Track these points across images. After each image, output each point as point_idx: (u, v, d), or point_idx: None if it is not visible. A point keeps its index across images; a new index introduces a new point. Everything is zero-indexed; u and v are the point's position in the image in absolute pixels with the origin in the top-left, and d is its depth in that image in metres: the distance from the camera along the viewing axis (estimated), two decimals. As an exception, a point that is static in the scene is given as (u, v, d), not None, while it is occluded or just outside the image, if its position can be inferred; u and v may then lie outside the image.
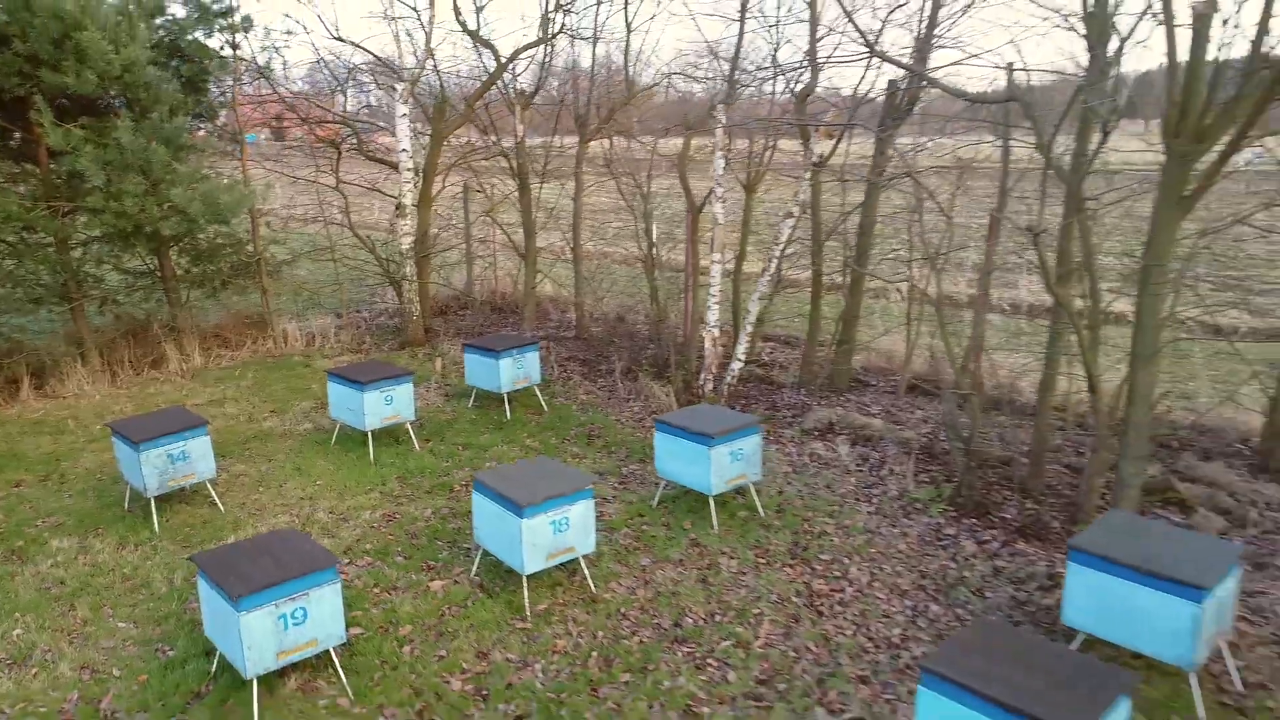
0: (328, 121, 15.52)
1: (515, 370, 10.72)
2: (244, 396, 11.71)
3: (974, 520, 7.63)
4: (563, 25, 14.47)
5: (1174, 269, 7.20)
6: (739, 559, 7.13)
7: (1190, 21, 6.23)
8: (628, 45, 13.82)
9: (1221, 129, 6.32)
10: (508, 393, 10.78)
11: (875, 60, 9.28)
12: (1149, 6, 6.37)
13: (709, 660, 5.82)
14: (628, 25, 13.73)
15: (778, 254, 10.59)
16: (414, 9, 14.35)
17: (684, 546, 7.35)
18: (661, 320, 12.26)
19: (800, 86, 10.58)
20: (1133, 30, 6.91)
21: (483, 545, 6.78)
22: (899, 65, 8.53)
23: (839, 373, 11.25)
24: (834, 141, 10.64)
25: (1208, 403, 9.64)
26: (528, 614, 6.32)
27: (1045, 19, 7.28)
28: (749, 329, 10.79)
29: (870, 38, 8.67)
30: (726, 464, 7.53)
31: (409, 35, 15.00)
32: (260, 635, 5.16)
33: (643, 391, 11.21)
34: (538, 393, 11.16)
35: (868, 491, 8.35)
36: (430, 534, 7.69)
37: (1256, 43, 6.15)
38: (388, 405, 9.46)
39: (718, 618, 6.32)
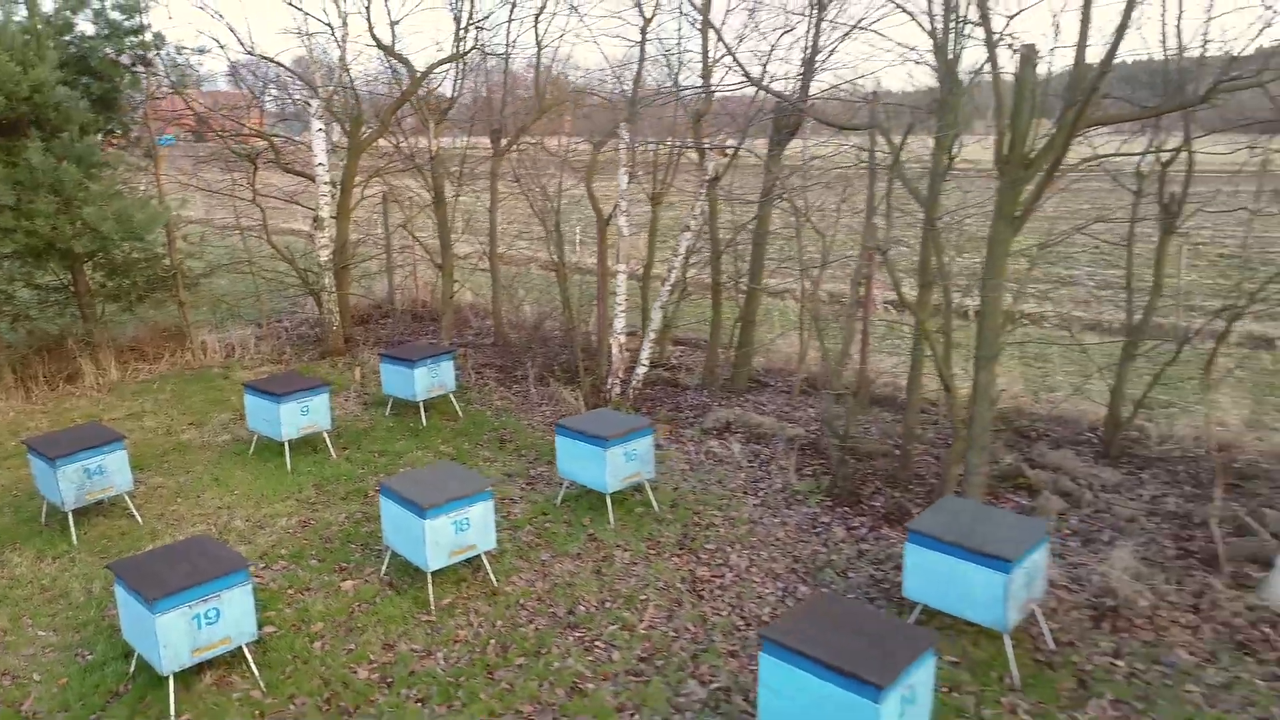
0: (243, 135, 15.68)
1: (430, 379, 11.18)
2: (162, 410, 11.91)
3: (847, 509, 8.41)
4: (476, 41, 14.96)
5: (1012, 282, 8.08)
6: (632, 551, 7.76)
7: (1015, 69, 7.07)
8: (538, 62, 14.35)
9: (1044, 158, 7.18)
10: (423, 401, 11.24)
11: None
12: (990, 52, 7.16)
13: (597, 643, 6.43)
14: (538, 42, 14.26)
15: (677, 265, 11.27)
16: (328, 25, 14.57)
17: (582, 541, 7.96)
18: (573, 327, 12.84)
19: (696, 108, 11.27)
20: (979, 70, 7.77)
21: (391, 546, 7.28)
22: (777, 96, 9.27)
23: (738, 374, 12.00)
24: (728, 160, 11.36)
25: (1061, 396, 10.64)
26: (432, 608, 6.85)
27: (903, 55, 8.05)
28: (652, 335, 11.46)
29: (760, 62, 9.42)
30: (621, 464, 8.16)
31: (324, 51, 15.18)
32: (175, 635, 5.59)
33: (554, 396, 11.78)
34: (453, 400, 11.64)
35: (755, 485, 9.07)
36: (344, 538, 8.14)
37: (1073, 81, 7.02)
38: (304, 416, 9.85)
39: (608, 605, 6.93)
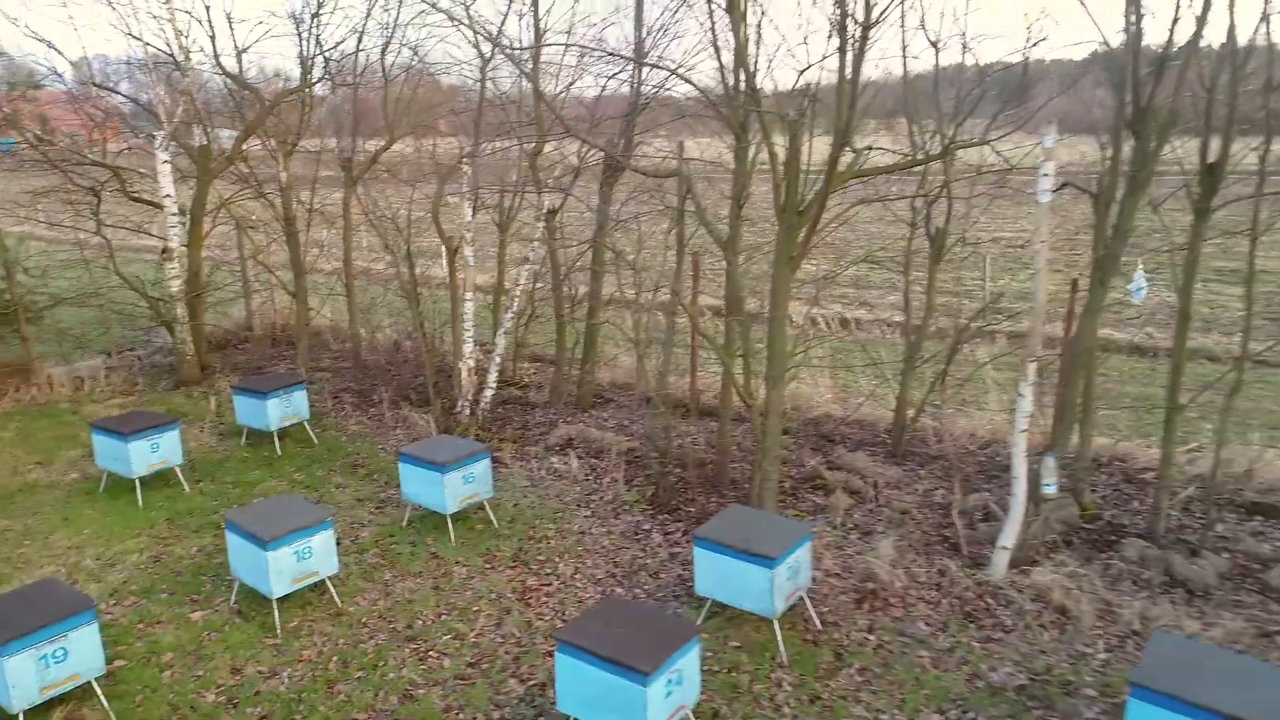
0: (84, 164, 15.52)
1: (283, 409, 11.61)
2: (6, 449, 11.88)
3: (666, 516, 9.43)
4: (324, 72, 15.32)
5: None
6: (470, 566, 8.54)
7: (788, 133, 8.20)
8: (385, 94, 14.84)
9: (813, 209, 8.35)
10: (278, 429, 11.65)
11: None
12: (760, 121, 8.27)
13: (431, 653, 7.20)
14: (384, 75, 14.76)
15: (517, 294, 12.08)
16: (170, 55, 14.66)
17: (425, 560, 8.68)
18: (427, 351, 13.45)
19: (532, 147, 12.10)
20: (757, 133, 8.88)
21: (238, 576, 7.82)
22: (596, 147, 10.21)
23: (584, 392, 12.91)
24: (564, 196, 12.24)
25: (860, 401, 12.03)
26: (279, 631, 7.45)
27: (708, 115, 9.10)
28: (498, 360, 12.22)
29: (587, 113, 10.33)
30: (460, 486, 8.92)
31: (168, 81, 15.22)
32: (23, 675, 6.04)
33: (408, 420, 12.39)
34: (307, 427, 12.08)
35: (589, 498, 9.99)
36: (195, 570, 8.59)
37: (835, 149, 8.20)
38: (154, 453, 10.15)
39: (444, 617, 7.70)
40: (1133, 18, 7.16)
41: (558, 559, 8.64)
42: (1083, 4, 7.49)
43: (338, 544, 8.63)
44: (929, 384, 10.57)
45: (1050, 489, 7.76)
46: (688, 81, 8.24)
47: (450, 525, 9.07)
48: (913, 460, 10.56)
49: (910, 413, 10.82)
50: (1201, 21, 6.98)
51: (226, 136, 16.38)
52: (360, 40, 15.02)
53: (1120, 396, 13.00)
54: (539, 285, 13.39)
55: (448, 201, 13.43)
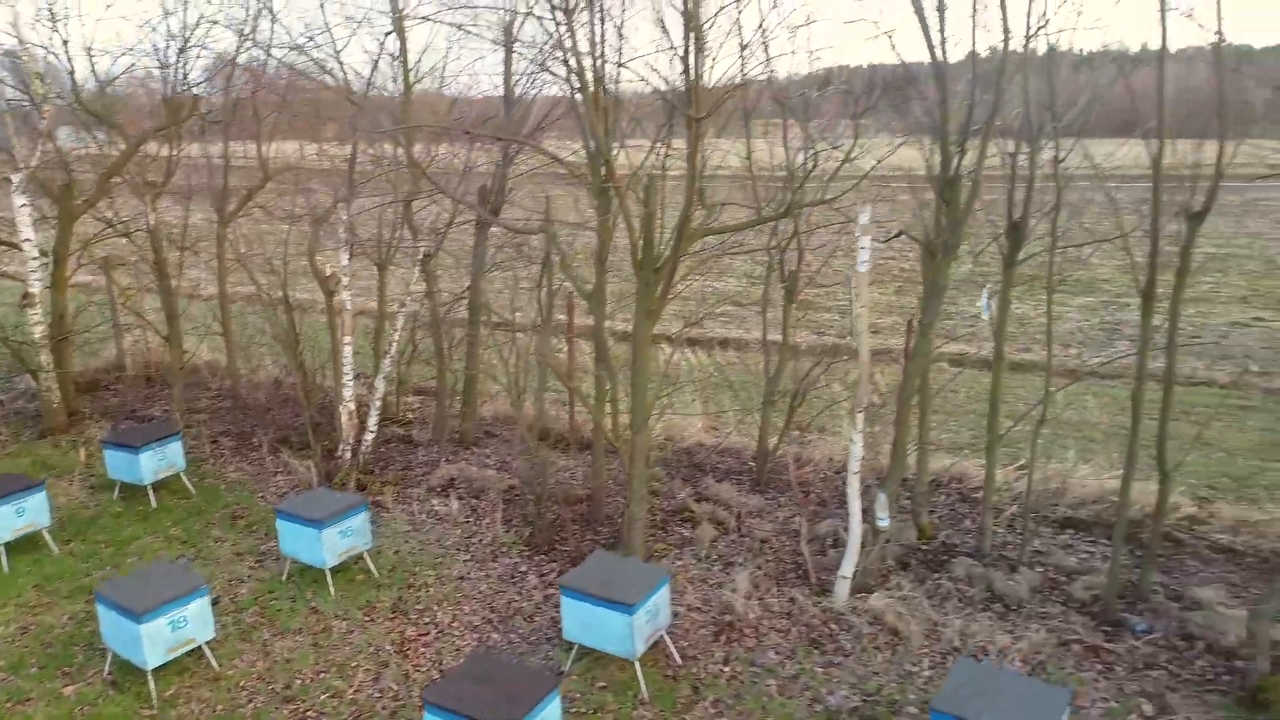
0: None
1: (158, 461, 11.52)
2: None
3: (543, 556, 9.90)
4: (192, 110, 15.10)
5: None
6: (349, 620, 8.80)
7: (643, 197, 8.78)
8: (259, 134, 14.76)
9: (669, 264, 8.95)
10: (152, 483, 11.54)
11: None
12: (615, 189, 8.82)
13: (309, 713, 7.46)
14: (256, 115, 14.69)
15: (395, 338, 12.31)
16: (26, 93, 14.23)
17: (304, 615, 8.90)
18: (307, 392, 13.49)
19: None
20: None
21: (111, 648, 7.89)
22: (464, 204, 10.58)
23: (466, 429, 13.23)
24: (440, 237, 12.54)
25: (729, 431, 12.78)
26: (155, 701, 7.56)
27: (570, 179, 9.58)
28: (378, 403, 12.42)
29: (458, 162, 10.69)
30: (337, 541, 9.16)
31: (23, 119, 14.75)
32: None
33: (289, 466, 12.45)
34: (184, 478, 12.00)
35: (469, 541, 10.36)
36: (66, 640, 8.57)
37: (686, 210, 8.82)
38: (19, 517, 9.98)
39: (323, 675, 7.96)
40: (937, 107, 8.02)
41: (436, 607, 8.99)
42: (906, 92, 8.32)
43: (215, 603, 8.77)
44: (788, 414, 11.35)
45: (883, 523, 8.58)
46: (552, 157, 8.72)
47: (329, 578, 9.29)
48: (774, 488, 11.33)
49: (773, 440, 11.59)
50: (996, 106, 7.89)
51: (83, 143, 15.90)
52: (230, 79, 14.90)
53: (968, 414, 14.18)
54: (419, 322, 13.64)
55: (324, 246, 13.54)
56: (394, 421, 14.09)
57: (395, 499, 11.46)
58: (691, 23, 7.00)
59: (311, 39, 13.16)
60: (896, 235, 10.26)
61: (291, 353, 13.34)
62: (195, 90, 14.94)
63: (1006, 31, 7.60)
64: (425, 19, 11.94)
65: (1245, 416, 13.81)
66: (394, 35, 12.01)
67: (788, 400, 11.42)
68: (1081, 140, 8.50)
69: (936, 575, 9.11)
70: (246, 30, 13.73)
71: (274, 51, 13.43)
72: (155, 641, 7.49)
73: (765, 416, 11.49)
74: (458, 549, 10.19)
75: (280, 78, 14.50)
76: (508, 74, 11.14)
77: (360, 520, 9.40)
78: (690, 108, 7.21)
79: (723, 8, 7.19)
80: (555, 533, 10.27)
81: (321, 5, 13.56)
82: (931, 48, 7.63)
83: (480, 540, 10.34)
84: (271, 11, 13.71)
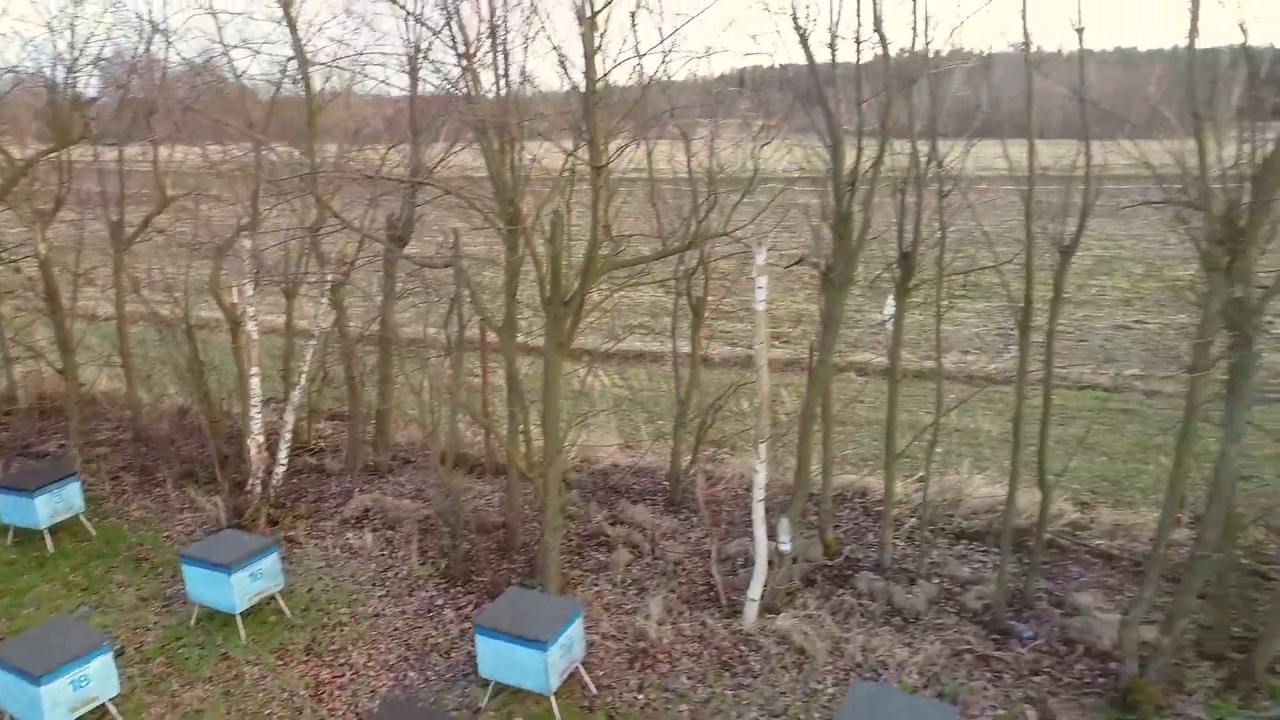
0: None
1: (54, 504, 11.12)
2: None
3: (459, 588, 9.95)
4: (84, 131, 14.56)
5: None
6: (262, 665, 8.71)
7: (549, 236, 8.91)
8: (155, 156, 14.32)
9: (577, 299, 9.11)
10: (49, 527, 11.13)
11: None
12: (521, 228, 8.93)
13: (221, 765, 7.39)
14: (154, 143, 14.26)
15: (305, 368, 12.16)
16: (-103, 118, 13.51)
17: (214, 662, 8.76)
18: (213, 424, 13.18)
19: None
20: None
21: (8, 711, 7.64)
22: (372, 238, 10.56)
23: (380, 459, 13.14)
24: (349, 268, 12.42)
25: (644, 451, 13.03)
26: (57, 764, 7.37)
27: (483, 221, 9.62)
28: (288, 436, 12.24)
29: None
30: (248, 584, 9.04)
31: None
32: None
33: (195, 503, 12.16)
34: (83, 520, 11.60)
35: (384, 576, 10.33)
36: (-42, 703, 8.24)
37: (592, 246, 8.99)
38: (-97, 572, 9.54)
39: (235, 724, 7.88)
40: (827, 155, 8.41)
41: (351, 647, 8.97)
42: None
43: (119, 655, 8.59)
44: (698, 435, 11.64)
45: (785, 546, 8.93)
46: (461, 199, 8.79)
47: (240, 623, 9.17)
48: (688, 508, 11.61)
49: (686, 459, 11.86)
50: (880, 155, 8.31)
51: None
52: (124, 95, 14.44)
53: (874, 425, 14.74)
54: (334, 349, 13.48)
55: (228, 277, 13.24)
56: (306, 450, 13.89)
57: (308, 533, 11.34)
58: (590, 79, 7.17)
59: (208, 63, 12.95)
60: (798, 262, 10.64)
61: (196, 382, 13.02)
62: (87, 111, 14.42)
63: (889, 85, 8.01)
64: (327, 64, 11.82)
65: (1126, 419, 14.72)
66: (295, 61, 11.90)
67: (699, 420, 11.72)
68: (967, 176, 9.00)
69: (841, 591, 9.51)
70: (139, 53, 13.36)
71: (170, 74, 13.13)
72: (56, 703, 7.31)
73: (677, 438, 11.76)
74: (373, 584, 10.15)
75: (180, 80, 14.18)
76: (414, 112, 11.11)
77: (271, 561, 9.29)
78: (591, 159, 7.39)
79: (619, 63, 7.40)
80: (471, 564, 10.33)
81: (220, 29, 13.21)
82: (825, 102, 8.00)
83: (396, 574, 10.33)
84: (166, 35, 13.27)
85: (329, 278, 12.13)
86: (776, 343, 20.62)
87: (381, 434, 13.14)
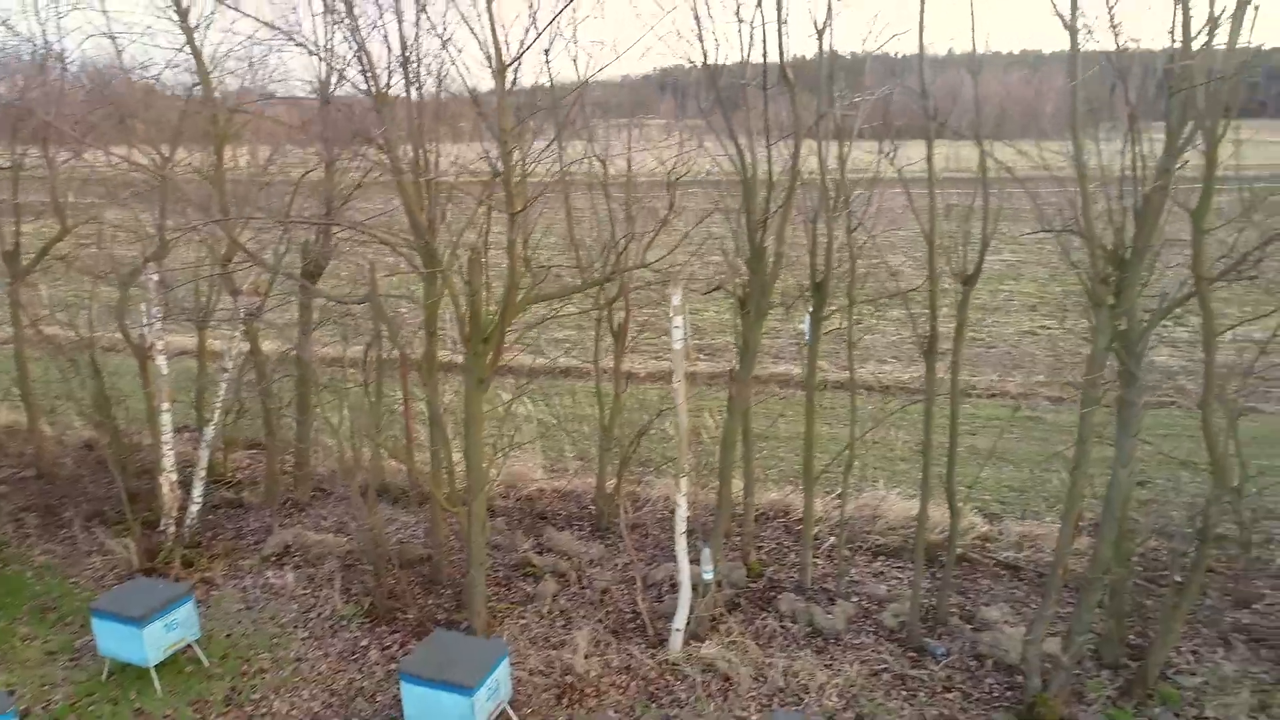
0: None
1: (-50, 555, 10.62)
2: None
3: (384, 627, 9.84)
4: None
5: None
6: (179, 718, 8.48)
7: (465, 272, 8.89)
8: (53, 181, 13.75)
9: (496, 335, 9.12)
10: (-55, 579, 10.63)
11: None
12: (441, 271, 8.89)
13: (137, 830, 7.18)
14: (49, 160, 13.68)
15: (218, 405, 11.85)
16: None
17: (128, 719, 8.50)
18: (123, 459, 12.72)
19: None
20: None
21: (-97, 787, 7.30)
22: (283, 274, 10.36)
23: (300, 488, 12.89)
24: (262, 298, 12.15)
25: (571, 474, 13.09)
26: (-42, 840, 7.07)
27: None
28: (202, 474, 11.91)
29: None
30: (161, 635, 8.79)
31: None
32: None
33: (104, 546, 11.73)
34: (-18, 570, 11.12)
35: (306, 616, 10.16)
36: None
37: (510, 284, 9.00)
38: None
39: (151, 785, 7.67)
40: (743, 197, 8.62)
41: (274, 695, 8.80)
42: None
43: (24, 717, 8.28)
44: (622, 464, 11.75)
45: (709, 575, 9.11)
46: (378, 238, 8.71)
47: (155, 675, 8.91)
48: (614, 533, 11.70)
49: (611, 482, 11.94)
50: (791, 191, 8.54)
51: None
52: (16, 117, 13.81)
53: (797, 438, 15.07)
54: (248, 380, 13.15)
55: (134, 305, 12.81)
56: (222, 482, 13.53)
57: (226, 573, 11.07)
58: (503, 136, 7.19)
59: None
60: (715, 289, 10.86)
61: (103, 415, 12.56)
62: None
63: (797, 142, 8.25)
64: (235, 109, 11.58)
65: (1032, 426, 15.40)
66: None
67: (625, 445, 11.83)
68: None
69: (764, 614, 9.74)
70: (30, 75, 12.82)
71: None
72: (-45, 777, 7.00)
73: (603, 463, 11.85)
74: (295, 626, 9.97)
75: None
76: (329, 149, 10.93)
77: (186, 610, 9.05)
78: (508, 205, 7.42)
79: (535, 112, 7.44)
80: (396, 600, 10.23)
81: (119, 52, 12.74)
82: (736, 142, 8.18)
83: (319, 614, 10.17)
84: (62, 61, 12.76)
85: (241, 311, 11.85)
86: (700, 354, 20.93)
87: (301, 465, 12.88)
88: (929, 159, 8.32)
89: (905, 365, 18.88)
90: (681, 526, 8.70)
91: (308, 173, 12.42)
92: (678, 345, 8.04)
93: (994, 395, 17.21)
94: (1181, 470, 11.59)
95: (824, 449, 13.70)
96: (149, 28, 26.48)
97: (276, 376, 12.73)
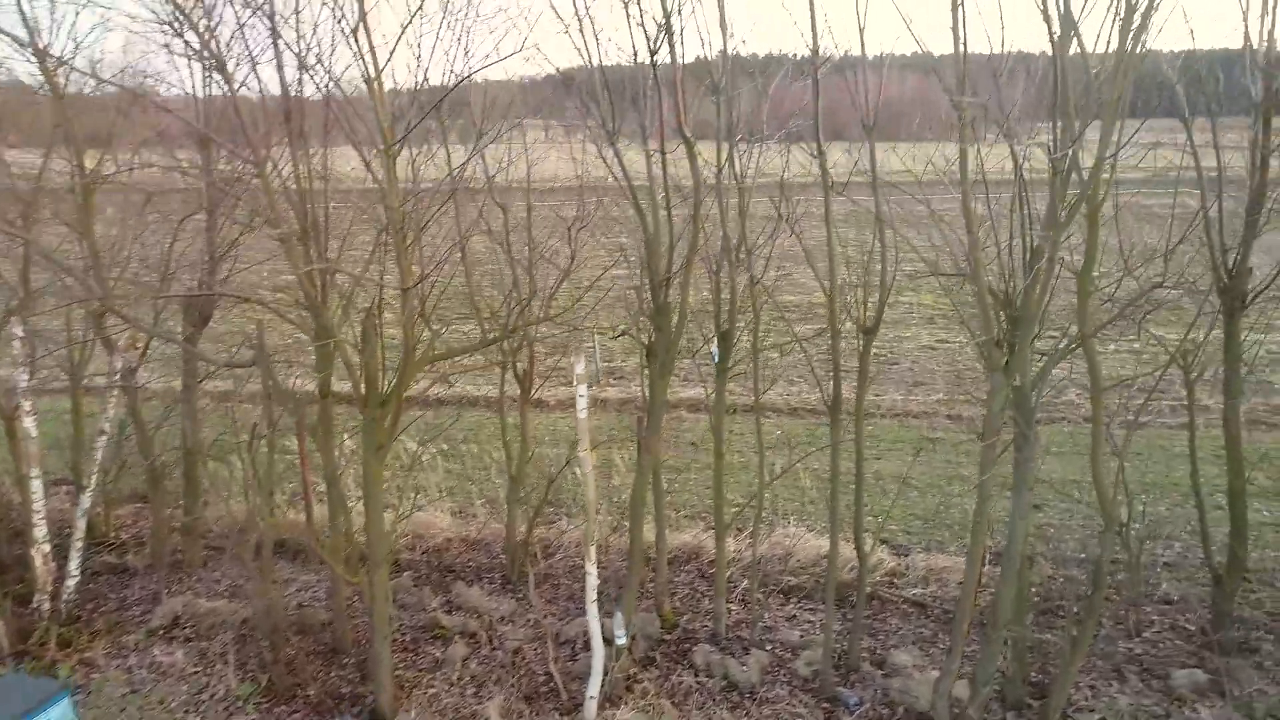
0: None
1: None
2: None
3: (285, 707, 9.35)
4: None
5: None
6: (55, 830, 7.86)
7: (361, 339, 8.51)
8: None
9: (394, 400, 8.76)
10: None
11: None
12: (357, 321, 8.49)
13: None
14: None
15: (94, 473, 11.10)
16: None
17: (-3, 835, 7.82)
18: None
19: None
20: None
21: None
22: (161, 336, 9.75)
23: (190, 551, 12.17)
24: (141, 352, 11.43)
25: (481, 523, 12.77)
26: None
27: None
28: (79, 544, 11.11)
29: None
30: (33, 739, 8.13)
31: None
32: None
33: (-30, 627, 10.84)
34: None
35: (198, 699, 9.57)
36: None
37: (408, 346, 8.66)
38: None
39: None
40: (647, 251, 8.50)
41: (161, 794, 8.26)
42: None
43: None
44: (533, 514, 11.51)
45: (621, 640, 8.97)
46: (268, 307, 8.27)
47: (27, 782, 8.23)
48: (527, 583, 11.42)
49: (522, 530, 11.68)
50: (693, 247, 8.47)
51: None
52: None
53: (710, 470, 15.07)
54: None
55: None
56: (104, 544, 12.70)
57: (109, 652, 10.35)
58: (389, 208, 6.88)
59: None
60: (622, 334, 10.74)
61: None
62: None
63: (697, 202, 8.19)
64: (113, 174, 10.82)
65: (932, 447, 15.77)
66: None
67: (534, 495, 11.60)
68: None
69: (679, 668, 9.65)
70: None
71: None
72: None
73: (512, 513, 11.58)
74: (186, 710, 9.39)
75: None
76: (212, 208, 10.33)
77: (62, 709, 8.39)
78: (401, 281, 7.11)
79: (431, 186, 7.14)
80: (295, 674, 9.74)
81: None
82: (638, 204, 8.06)
83: (212, 695, 9.60)
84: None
85: (118, 366, 11.11)
86: (612, 379, 20.81)
87: (189, 531, 12.16)
88: (826, 215, 8.36)
89: (813, 386, 19.12)
90: (592, 595, 8.52)
91: (188, 216, 11.73)
92: (582, 415, 7.86)
93: (898, 415, 17.60)
94: (1075, 492, 12.07)
95: (735, 476, 13.77)
96: None
97: (162, 426, 11.99)
